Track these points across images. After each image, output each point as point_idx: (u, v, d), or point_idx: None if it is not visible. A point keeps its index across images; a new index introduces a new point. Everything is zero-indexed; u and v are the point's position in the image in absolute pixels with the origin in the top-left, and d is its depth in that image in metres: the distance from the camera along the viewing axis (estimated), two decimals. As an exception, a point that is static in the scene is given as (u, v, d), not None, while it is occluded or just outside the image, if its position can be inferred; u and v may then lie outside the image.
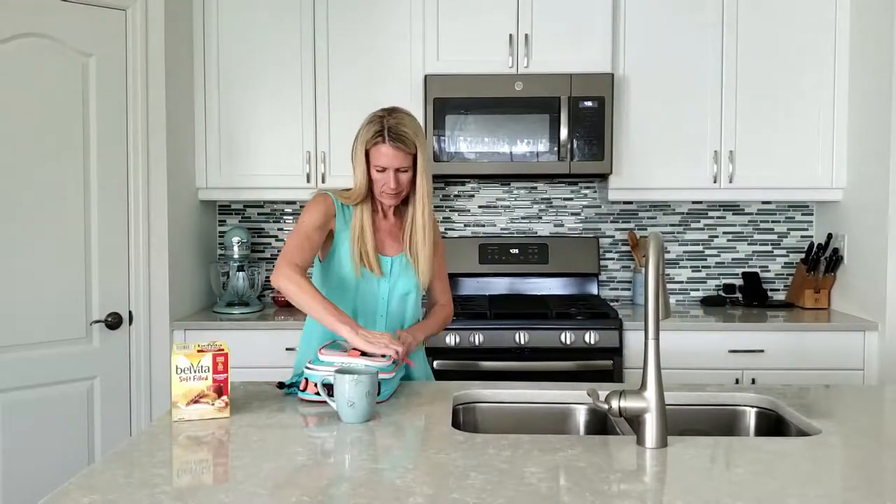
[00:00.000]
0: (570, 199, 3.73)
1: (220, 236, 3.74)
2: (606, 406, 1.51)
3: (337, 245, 2.07)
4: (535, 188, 3.73)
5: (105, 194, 2.89)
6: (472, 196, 3.75)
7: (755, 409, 1.86)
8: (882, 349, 3.04)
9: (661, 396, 1.48)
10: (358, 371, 1.69)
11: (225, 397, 1.67)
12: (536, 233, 3.74)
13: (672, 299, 3.72)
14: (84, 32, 2.82)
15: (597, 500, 1.21)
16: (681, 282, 3.73)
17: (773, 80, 3.34)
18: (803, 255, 3.57)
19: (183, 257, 3.26)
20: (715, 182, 3.35)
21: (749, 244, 3.73)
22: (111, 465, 1.38)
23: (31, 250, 2.71)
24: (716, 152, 3.34)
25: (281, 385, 1.89)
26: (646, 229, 3.72)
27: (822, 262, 3.41)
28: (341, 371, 1.68)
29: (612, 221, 3.73)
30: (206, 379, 1.66)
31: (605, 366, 3.01)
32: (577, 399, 1.88)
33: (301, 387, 1.80)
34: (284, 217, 3.75)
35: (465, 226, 3.75)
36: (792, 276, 3.68)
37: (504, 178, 3.67)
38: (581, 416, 1.88)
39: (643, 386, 1.50)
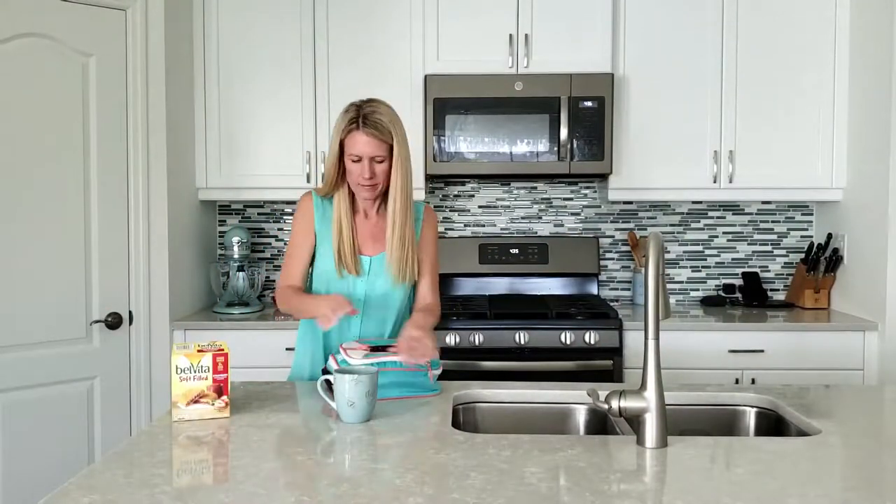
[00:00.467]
0: (570, 199, 3.73)
1: (220, 236, 3.74)
2: (606, 406, 1.51)
3: (318, 242, 2.09)
4: (535, 188, 3.74)
5: (105, 194, 2.89)
6: (472, 196, 3.75)
7: (755, 409, 1.86)
8: (882, 349, 3.04)
9: (661, 396, 1.48)
10: (358, 371, 1.69)
11: (225, 397, 1.67)
12: (536, 233, 3.74)
13: (672, 299, 3.72)
14: (84, 32, 2.82)
15: (597, 500, 1.21)
16: (681, 282, 3.73)
17: (772, 80, 3.34)
18: (803, 255, 3.57)
19: (183, 257, 3.26)
20: (715, 182, 3.35)
21: (749, 244, 3.73)
22: (111, 465, 1.38)
23: (31, 250, 2.71)
24: (716, 152, 3.34)
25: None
26: (646, 229, 3.72)
27: (821, 262, 3.41)
28: (341, 371, 1.68)
29: (612, 221, 3.73)
30: (206, 379, 1.66)
31: (605, 366, 3.01)
32: (577, 399, 1.88)
33: None
34: (284, 217, 3.75)
35: (465, 226, 3.75)
36: (792, 276, 3.68)
37: (504, 178, 3.67)
38: (581, 416, 1.88)
39: (643, 386, 1.50)
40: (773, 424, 1.82)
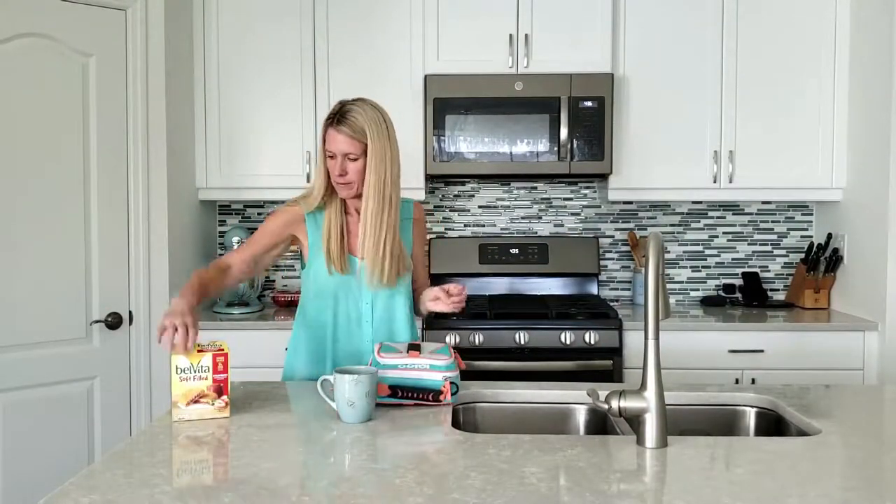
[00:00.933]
0: (570, 199, 3.73)
1: (220, 236, 3.74)
2: (606, 406, 1.51)
3: (311, 253, 2.09)
4: (535, 188, 3.74)
5: (105, 194, 2.89)
6: (472, 196, 3.75)
7: (755, 409, 1.86)
8: (882, 349, 3.04)
9: (661, 396, 1.48)
10: (360, 371, 1.69)
11: (225, 397, 1.67)
12: (536, 233, 3.74)
13: (672, 299, 3.72)
14: (84, 32, 2.82)
15: (597, 500, 1.21)
16: (681, 282, 3.73)
17: (772, 80, 3.34)
18: (803, 255, 3.57)
19: (183, 257, 3.26)
20: (715, 182, 3.35)
21: (749, 244, 3.73)
22: (111, 465, 1.38)
23: (31, 250, 2.71)
24: (716, 152, 3.34)
25: None
26: (646, 229, 3.72)
27: (821, 262, 3.41)
28: (342, 371, 1.68)
29: (612, 221, 3.73)
30: (206, 379, 1.66)
31: (605, 366, 3.01)
32: (577, 399, 1.88)
33: None
34: (284, 217, 3.75)
35: (465, 226, 3.75)
36: (792, 276, 3.68)
37: (504, 178, 3.67)
38: (581, 416, 1.88)
39: (643, 386, 1.50)
40: (773, 424, 1.82)
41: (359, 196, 2.05)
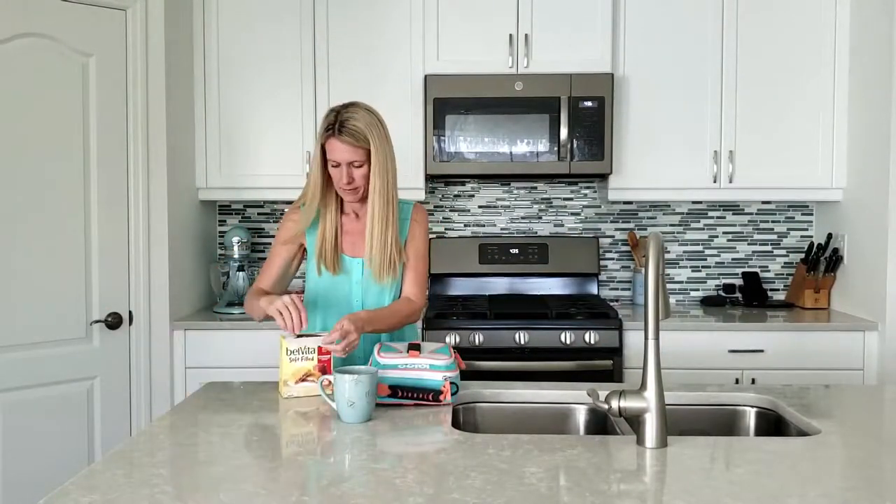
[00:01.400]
0: (570, 199, 3.73)
1: (220, 236, 3.74)
2: (606, 406, 1.51)
3: (308, 255, 2.15)
4: (535, 188, 3.73)
5: (105, 194, 2.89)
6: (472, 196, 3.75)
7: (755, 409, 1.86)
8: (882, 349, 3.04)
9: (661, 396, 1.48)
10: (360, 371, 1.69)
11: (329, 376, 1.75)
12: (536, 233, 3.74)
13: (672, 299, 3.72)
14: (84, 32, 2.82)
15: (597, 500, 1.21)
16: (681, 282, 3.73)
17: (772, 80, 3.34)
18: (803, 255, 3.57)
19: (183, 257, 3.26)
20: (715, 182, 3.35)
21: (749, 244, 3.73)
22: (111, 465, 1.38)
23: (31, 250, 2.71)
24: (716, 152, 3.34)
25: None
26: (646, 229, 3.72)
27: (821, 262, 3.41)
28: (341, 371, 1.68)
29: (611, 221, 3.73)
30: (312, 360, 1.84)
31: (605, 366, 3.01)
32: (577, 399, 1.88)
33: None
34: (284, 217, 3.75)
35: (465, 226, 3.75)
36: (792, 276, 3.68)
37: (504, 178, 3.67)
38: (581, 416, 1.88)
39: (643, 386, 1.50)
40: (773, 424, 1.82)
41: (363, 199, 2.07)
